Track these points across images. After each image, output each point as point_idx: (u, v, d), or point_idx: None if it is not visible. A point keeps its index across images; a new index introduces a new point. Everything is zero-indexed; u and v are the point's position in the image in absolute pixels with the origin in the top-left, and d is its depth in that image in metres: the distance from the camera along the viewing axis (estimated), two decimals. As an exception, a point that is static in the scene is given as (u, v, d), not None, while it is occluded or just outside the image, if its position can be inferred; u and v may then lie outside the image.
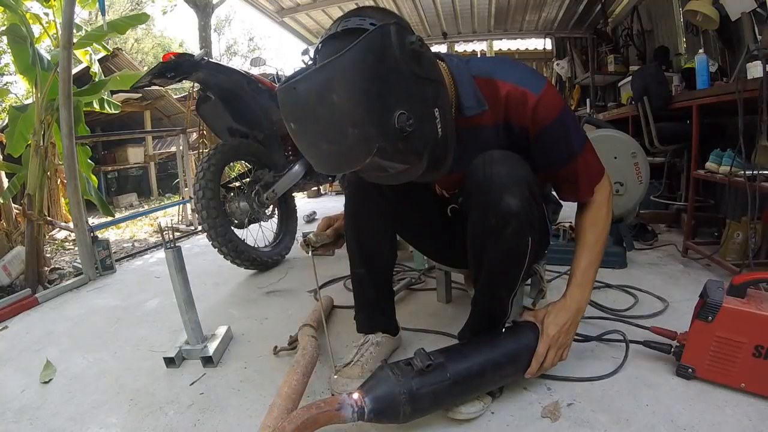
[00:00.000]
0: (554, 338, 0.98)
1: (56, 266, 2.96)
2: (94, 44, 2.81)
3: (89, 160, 2.98)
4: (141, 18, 2.93)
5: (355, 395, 0.83)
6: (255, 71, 2.53)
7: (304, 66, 0.82)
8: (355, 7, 2.65)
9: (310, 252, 1.12)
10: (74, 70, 2.28)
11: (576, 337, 1.27)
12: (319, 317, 1.39)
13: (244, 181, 2.23)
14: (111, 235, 4.32)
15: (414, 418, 0.87)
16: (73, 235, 3.39)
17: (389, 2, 4.30)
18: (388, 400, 0.82)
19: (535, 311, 1.07)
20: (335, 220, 1.22)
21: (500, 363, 0.96)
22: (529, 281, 1.55)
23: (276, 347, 1.28)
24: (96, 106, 3.02)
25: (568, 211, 1.31)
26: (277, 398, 0.91)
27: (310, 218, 3.61)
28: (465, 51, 6.87)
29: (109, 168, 8.73)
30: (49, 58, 2.50)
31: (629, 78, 2.97)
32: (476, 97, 0.91)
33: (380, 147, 0.72)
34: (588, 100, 4.50)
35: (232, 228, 2.02)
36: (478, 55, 6.68)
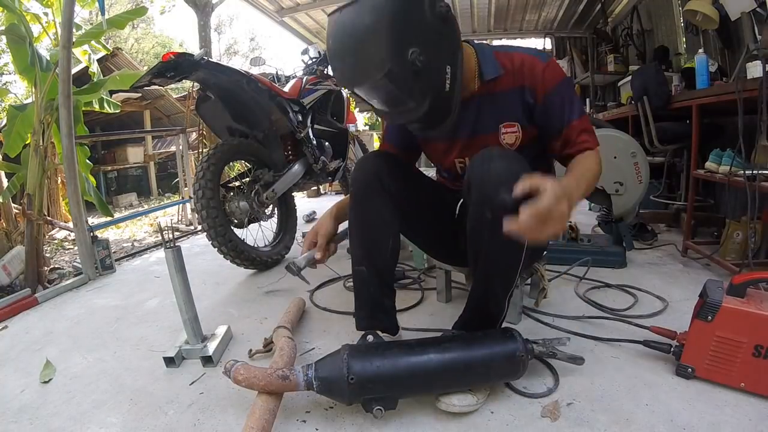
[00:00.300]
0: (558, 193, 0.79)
1: (56, 266, 2.96)
2: (92, 42, 2.80)
3: (88, 161, 2.98)
4: (139, 12, 2.90)
5: (310, 370, 0.93)
6: (255, 71, 2.52)
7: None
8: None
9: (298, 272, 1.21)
10: (74, 70, 2.27)
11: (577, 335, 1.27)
12: (293, 318, 1.39)
13: (243, 180, 2.23)
14: (111, 234, 4.32)
15: (358, 402, 0.93)
16: (72, 234, 3.38)
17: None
18: (336, 382, 0.91)
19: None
20: (317, 231, 1.22)
21: (458, 368, 0.95)
22: (529, 281, 1.55)
23: (251, 350, 1.28)
24: (96, 106, 3.01)
25: (567, 210, 1.30)
26: (258, 399, 0.92)
27: (310, 218, 3.60)
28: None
29: (109, 168, 8.72)
30: (48, 58, 2.49)
31: (629, 78, 2.97)
32: (494, 64, 1.06)
33: (391, 69, 0.84)
34: (588, 99, 4.51)
35: (232, 228, 2.02)
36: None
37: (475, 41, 1.13)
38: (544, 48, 5.40)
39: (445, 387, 0.97)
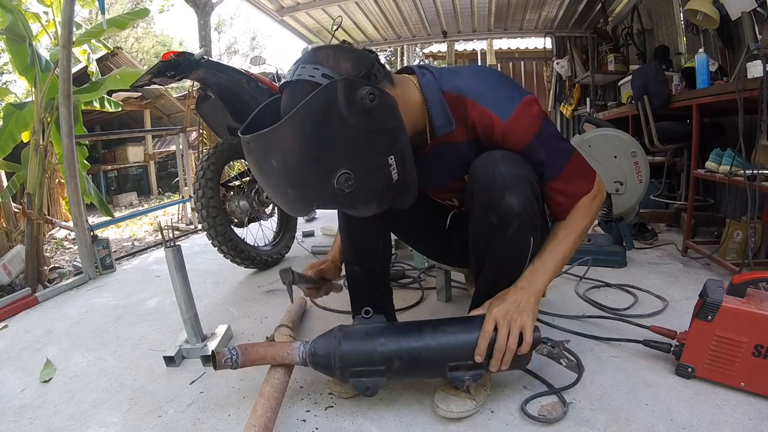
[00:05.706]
0: (500, 312, 0.88)
1: (56, 265, 2.97)
2: (92, 41, 2.80)
3: (86, 161, 2.98)
4: (141, 13, 2.91)
5: (305, 346, 0.98)
6: (255, 70, 2.52)
7: (272, 98, 0.88)
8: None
9: (286, 282, 1.08)
10: (73, 70, 2.27)
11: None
12: (294, 317, 1.39)
13: (243, 179, 2.23)
14: (111, 234, 4.32)
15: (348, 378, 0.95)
16: (72, 234, 3.39)
17: (389, 1, 4.29)
18: (326, 360, 0.94)
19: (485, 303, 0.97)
20: (322, 263, 1.21)
21: (449, 353, 0.91)
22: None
23: None
24: (97, 105, 3.02)
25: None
26: (260, 397, 0.92)
27: (310, 217, 3.60)
28: (465, 50, 6.87)
29: (109, 167, 8.74)
30: (48, 57, 2.49)
31: (629, 77, 2.96)
32: (445, 115, 0.91)
33: (319, 205, 0.81)
34: (588, 99, 4.51)
35: (232, 227, 2.02)
36: (478, 54, 6.67)
37: (424, 69, 0.95)
38: (544, 47, 5.38)
39: (436, 374, 0.95)
